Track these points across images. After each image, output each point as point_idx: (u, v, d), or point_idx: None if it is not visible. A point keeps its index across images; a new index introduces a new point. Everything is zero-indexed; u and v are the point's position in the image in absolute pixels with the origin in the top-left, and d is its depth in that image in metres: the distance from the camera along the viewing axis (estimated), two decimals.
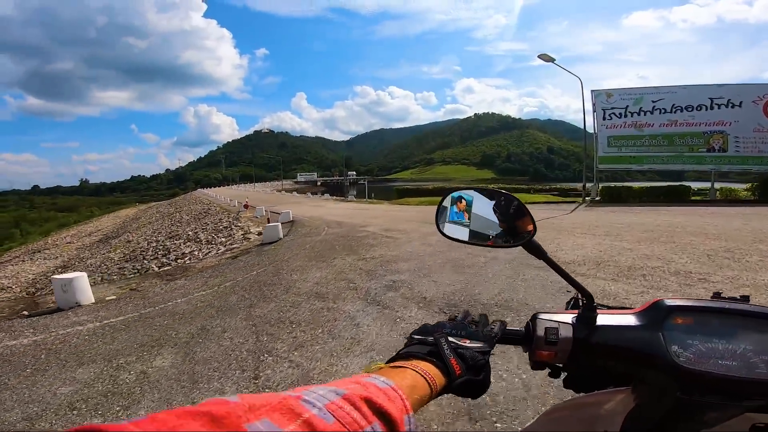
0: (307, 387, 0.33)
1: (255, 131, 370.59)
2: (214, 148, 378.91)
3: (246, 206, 21.48)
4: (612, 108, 16.96)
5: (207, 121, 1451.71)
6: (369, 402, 0.34)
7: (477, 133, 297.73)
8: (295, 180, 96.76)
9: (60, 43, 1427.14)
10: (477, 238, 0.70)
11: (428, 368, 0.46)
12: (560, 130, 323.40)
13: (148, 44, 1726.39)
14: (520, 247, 0.64)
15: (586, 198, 16.40)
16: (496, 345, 0.57)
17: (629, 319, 0.58)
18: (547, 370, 0.63)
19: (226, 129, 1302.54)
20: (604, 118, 17.08)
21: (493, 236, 0.68)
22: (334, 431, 0.29)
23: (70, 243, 35.64)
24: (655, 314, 0.57)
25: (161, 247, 17.21)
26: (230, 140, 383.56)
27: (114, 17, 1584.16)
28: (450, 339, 0.52)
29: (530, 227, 0.64)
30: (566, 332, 0.58)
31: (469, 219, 0.70)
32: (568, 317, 0.61)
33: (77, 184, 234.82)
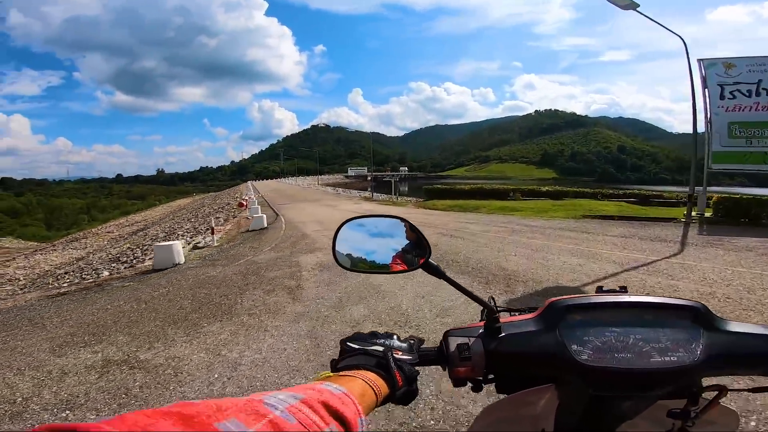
0: (268, 392, 0.35)
1: (312, 126, 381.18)
2: (275, 141, 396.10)
3: (241, 205, 18.83)
4: (735, 83, 11.63)
5: (270, 116, 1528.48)
6: (326, 405, 0.37)
7: (538, 131, 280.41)
8: (346, 174, 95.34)
9: (144, 43, 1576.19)
10: (375, 267, 0.67)
11: (375, 379, 0.49)
12: (633, 129, 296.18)
13: (217, 42, 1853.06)
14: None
15: (692, 214, 10.88)
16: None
17: (529, 325, 0.58)
18: (469, 385, 0.62)
19: (287, 123, 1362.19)
20: (721, 97, 11.76)
21: (390, 263, 0.66)
22: (297, 431, 0.31)
23: (109, 233, 36.11)
24: (552, 315, 0.57)
25: (143, 246, 15.11)
26: (289, 134, 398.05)
27: (188, 17, 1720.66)
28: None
29: (425, 248, 0.63)
30: (477, 346, 0.57)
31: (364, 247, 0.68)
32: (477, 330, 0.60)
33: (155, 174, 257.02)
